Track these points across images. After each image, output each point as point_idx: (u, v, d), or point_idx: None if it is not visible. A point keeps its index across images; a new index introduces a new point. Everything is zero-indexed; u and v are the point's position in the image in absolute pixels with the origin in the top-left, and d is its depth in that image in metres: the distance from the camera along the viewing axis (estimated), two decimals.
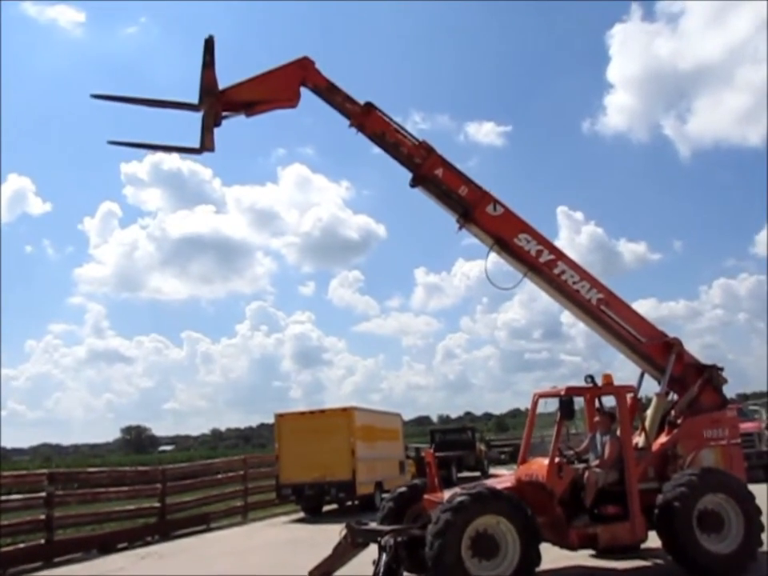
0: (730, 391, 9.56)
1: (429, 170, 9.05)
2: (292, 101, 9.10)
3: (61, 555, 12.67)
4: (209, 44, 8.58)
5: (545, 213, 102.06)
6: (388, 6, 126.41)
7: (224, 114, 8.95)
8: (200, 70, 8.64)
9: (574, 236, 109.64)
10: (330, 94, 9.05)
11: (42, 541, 12.67)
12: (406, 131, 9.17)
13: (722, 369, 9.33)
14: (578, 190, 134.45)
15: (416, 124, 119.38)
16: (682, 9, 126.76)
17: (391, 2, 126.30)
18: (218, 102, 8.77)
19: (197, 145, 8.99)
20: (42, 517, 12.77)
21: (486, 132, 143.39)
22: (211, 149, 9.01)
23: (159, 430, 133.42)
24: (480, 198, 9.09)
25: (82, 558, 12.80)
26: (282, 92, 9.03)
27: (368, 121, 9.06)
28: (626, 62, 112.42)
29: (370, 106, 9.07)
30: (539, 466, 8.13)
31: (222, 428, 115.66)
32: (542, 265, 9.06)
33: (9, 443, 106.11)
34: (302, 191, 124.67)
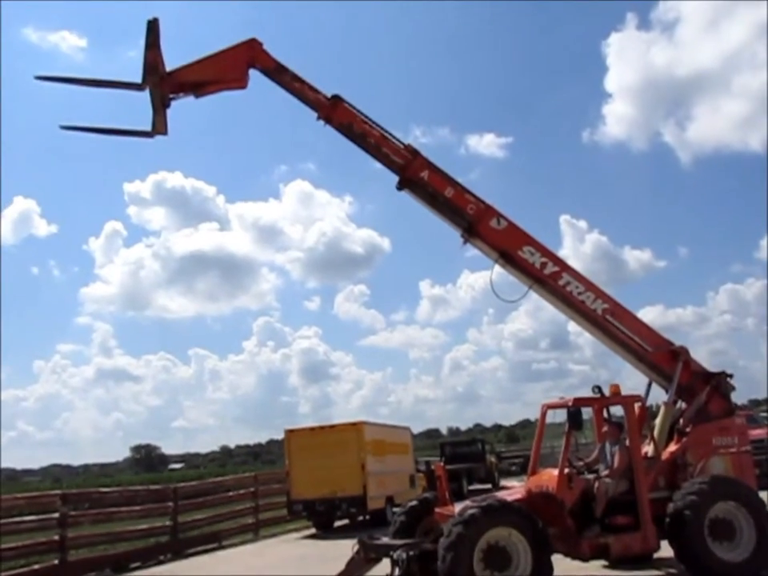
0: (742, 397, 9.60)
1: (414, 172, 9.12)
2: (240, 82, 9.20)
3: None
4: (152, 25, 8.68)
5: (548, 222, 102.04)
6: (385, 18, 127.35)
7: (172, 95, 9.00)
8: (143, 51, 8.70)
9: (578, 245, 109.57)
10: (279, 74, 9.08)
11: (56, 561, 12.71)
12: (385, 130, 9.22)
13: (731, 375, 9.34)
14: (580, 199, 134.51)
15: (416, 138, 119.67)
16: (677, 17, 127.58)
17: (388, 14, 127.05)
18: (163, 83, 8.84)
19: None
20: (56, 538, 12.83)
21: (486, 144, 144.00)
22: (163, 132, 9.08)
23: (168, 448, 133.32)
24: (483, 212, 9.16)
25: None
26: (230, 73, 9.11)
27: (335, 112, 9.12)
28: (624, 71, 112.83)
29: (336, 98, 9.14)
30: (549, 477, 8.17)
31: (231, 445, 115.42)
32: (547, 277, 9.12)
33: (19, 464, 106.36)
34: (305, 207, 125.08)
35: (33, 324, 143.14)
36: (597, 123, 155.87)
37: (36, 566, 12.57)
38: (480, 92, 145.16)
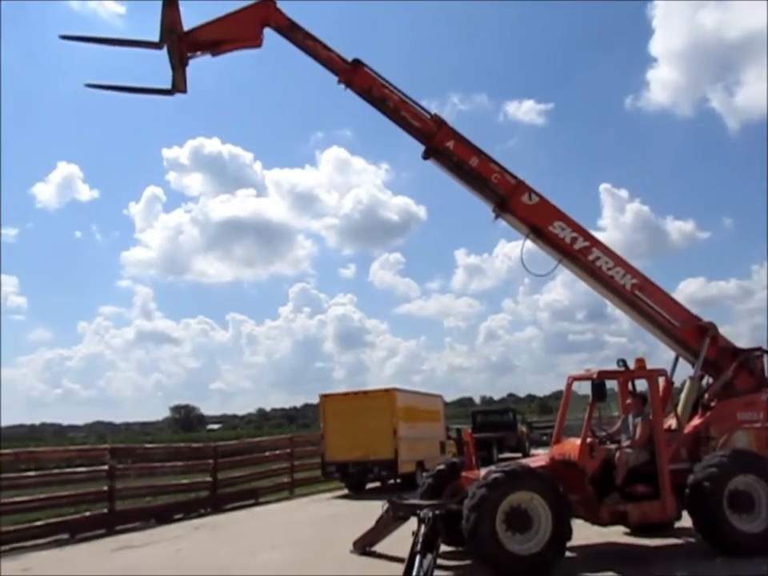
0: None
1: (440, 142, 9.30)
2: (255, 40, 9.40)
3: (122, 524, 13.52)
4: None
5: (588, 191, 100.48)
6: None
7: (189, 54, 9.24)
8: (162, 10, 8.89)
9: (618, 215, 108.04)
10: (292, 33, 9.28)
11: (105, 510, 13.56)
12: (408, 96, 9.37)
13: (767, 352, 9.46)
14: (622, 168, 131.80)
15: (454, 105, 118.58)
16: None
17: None
18: (181, 42, 9.06)
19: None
20: (105, 488, 13.65)
21: (526, 110, 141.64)
22: (183, 90, 9.37)
23: (206, 409, 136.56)
24: (515, 187, 9.31)
25: (141, 527, 13.63)
26: (245, 31, 9.33)
27: (355, 76, 9.30)
28: (670, 35, 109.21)
29: (357, 62, 9.31)
30: (572, 446, 8.45)
31: (268, 408, 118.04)
32: (577, 252, 9.27)
33: (65, 420, 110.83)
34: (342, 173, 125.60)
35: (77, 286, 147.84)
36: (640, 89, 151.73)
37: (87, 513, 13.44)
38: (520, 57, 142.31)
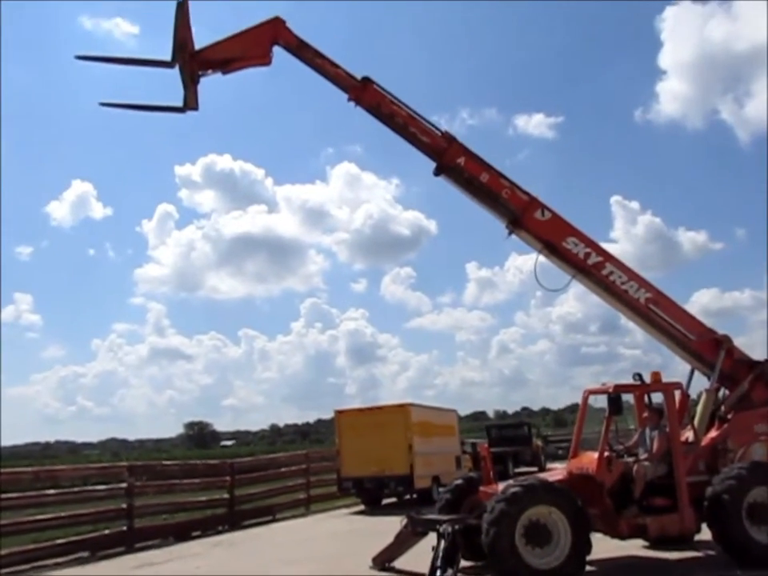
0: None
1: (451, 159, 9.40)
2: (264, 58, 9.54)
3: (141, 541, 13.58)
4: (182, 6, 9.06)
5: (599, 203, 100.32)
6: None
7: (201, 72, 9.39)
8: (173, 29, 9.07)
9: (629, 227, 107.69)
10: (301, 51, 9.40)
11: (124, 528, 13.61)
12: (417, 113, 9.47)
13: None
14: (633, 180, 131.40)
15: (464, 120, 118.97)
16: None
17: None
18: (192, 60, 9.22)
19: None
20: (124, 506, 13.71)
21: (535, 124, 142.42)
22: (194, 107, 9.51)
23: (219, 425, 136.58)
24: (527, 203, 9.40)
25: (160, 545, 13.71)
26: (255, 50, 9.47)
27: (364, 94, 9.42)
28: (679, 47, 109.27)
29: (366, 79, 9.43)
30: (590, 459, 8.49)
31: (281, 423, 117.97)
32: (591, 267, 9.34)
33: (79, 438, 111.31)
34: (352, 189, 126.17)
35: (90, 303, 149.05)
36: (650, 101, 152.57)
37: (106, 531, 13.50)
38: (529, 71, 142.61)
